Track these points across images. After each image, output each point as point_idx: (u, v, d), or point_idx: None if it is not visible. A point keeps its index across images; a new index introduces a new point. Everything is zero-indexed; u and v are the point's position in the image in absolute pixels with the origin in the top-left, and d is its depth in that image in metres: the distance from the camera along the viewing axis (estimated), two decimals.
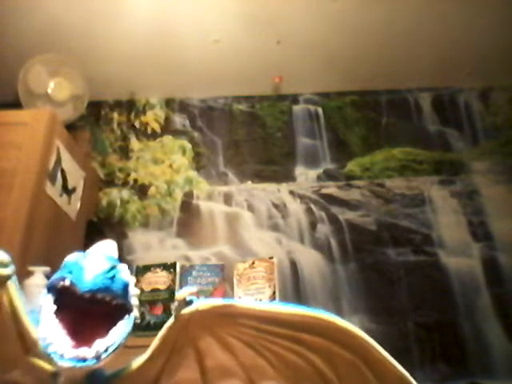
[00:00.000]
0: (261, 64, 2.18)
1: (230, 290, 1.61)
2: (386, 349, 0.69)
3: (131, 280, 0.64)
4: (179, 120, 2.30)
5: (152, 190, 2.11)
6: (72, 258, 0.63)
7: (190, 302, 0.65)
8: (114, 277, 0.60)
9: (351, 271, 1.91)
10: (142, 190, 2.11)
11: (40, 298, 0.63)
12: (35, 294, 1.32)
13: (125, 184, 2.13)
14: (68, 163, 1.74)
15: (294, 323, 0.64)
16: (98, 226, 2.00)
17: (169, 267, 1.59)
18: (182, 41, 2.05)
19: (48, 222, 1.59)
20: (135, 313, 0.64)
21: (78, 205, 1.84)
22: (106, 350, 0.58)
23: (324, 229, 2.00)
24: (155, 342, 0.67)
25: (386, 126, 2.27)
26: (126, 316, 0.62)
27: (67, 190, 1.74)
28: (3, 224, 1.43)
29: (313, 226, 2.01)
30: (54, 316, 0.59)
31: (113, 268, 0.61)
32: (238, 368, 0.67)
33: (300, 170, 2.16)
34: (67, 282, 0.59)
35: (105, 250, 0.65)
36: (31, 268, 1.38)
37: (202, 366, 0.67)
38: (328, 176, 2.14)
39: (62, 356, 0.55)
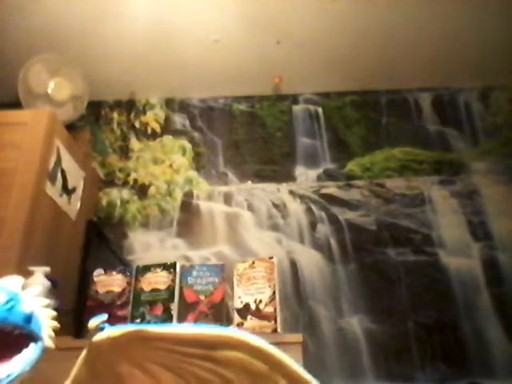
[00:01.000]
0: (261, 64, 2.18)
1: (230, 289, 1.61)
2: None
3: (43, 312, 0.70)
4: (179, 120, 2.30)
5: (152, 190, 2.11)
6: None
7: (101, 329, 0.67)
8: (11, 308, 0.65)
9: (351, 271, 1.91)
10: (142, 190, 2.11)
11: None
12: None
13: (125, 184, 2.13)
14: (68, 163, 1.74)
15: (204, 342, 0.66)
16: (98, 225, 1.99)
17: (169, 267, 1.59)
18: (182, 41, 2.05)
19: (48, 222, 1.59)
20: (45, 341, 0.69)
21: (78, 205, 1.84)
22: (8, 376, 0.63)
23: (324, 229, 2.00)
24: (73, 371, 0.69)
25: (386, 126, 2.27)
26: (32, 344, 0.67)
27: (67, 190, 1.74)
28: (3, 224, 1.43)
29: (313, 226, 2.01)
30: None
31: (10, 300, 0.65)
32: None
33: (300, 170, 2.16)
34: None
35: (4, 284, 0.70)
36: (31, 268, 1.38)
37: None
38: (328, 176, 2.14)
39: None
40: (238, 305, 1.50)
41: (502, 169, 2.11)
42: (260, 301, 1.48)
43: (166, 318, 1.49)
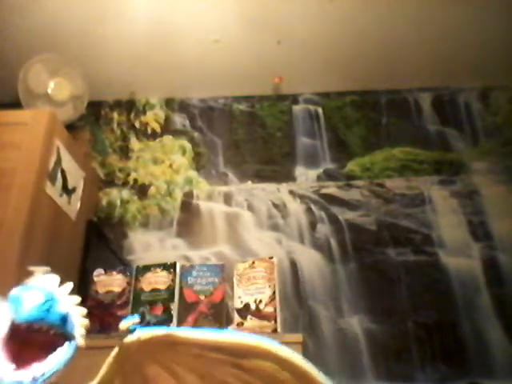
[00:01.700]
0: (261, 64, 2.18)
1: (230, 289, 1.61)
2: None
3: (76, 311, 0.73)
4: (179, 120, 2.30)
5: (152, 190, 2.11)
6: (15, 291, 0.70)
7: (132, 331, 0.69)
8: (49, 309, 0.67)
9: (351, 271, 1.91)
10: (142, 190, 2.11)
11: None
12: None
13: (125, 184, 2.13)
14: (68, 163, 1.74)
15: (233, 350, 0.68)
16: (98, 226, 2.00)
17: (169, 267, 1.59)
18: (182, 41, 2.05)
19: (48, 222, 1.59)
20: (78, 340, 0.71)
21: (78, 205, 1.84)
22: (42, 374, 0.65)
23: (324, 229, 2.00)
24: (102, 370, 0.70)
25: (386, 126, 2.27)
26: (66, 343, 0.70)
27: (67, 190, 1.74)
28: (3, 224, 1.43)
29: (313, 226, 2.01)
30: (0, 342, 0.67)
31: (48, 301, 0.68)
32: None
33: (300, 170, 2.16)
34: (7, 314, 0.67)
35: (43, 283, 0.73)
36: (31, 268, 1.38)
37: None
38: (328, 176, 2.14)
39: (1, 379, 0.63)
40: (238, 305, 1.50)
41: (502, 169, 2.11)
42: (260, 301, 1.48)
43: (166, 318, 1.49)
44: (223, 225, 2.02)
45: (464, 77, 2.28)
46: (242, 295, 1.52)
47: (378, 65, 2.21)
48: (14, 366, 0.65)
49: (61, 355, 0.68)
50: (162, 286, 1.55)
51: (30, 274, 1.39)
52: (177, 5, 1.89)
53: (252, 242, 1.97)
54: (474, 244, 1.95)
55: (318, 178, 2.14)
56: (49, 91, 2.02)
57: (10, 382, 0.63)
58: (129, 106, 2.33)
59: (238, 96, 2.35)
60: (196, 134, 2.26)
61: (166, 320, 1.48)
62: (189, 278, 1.58)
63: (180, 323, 1.49)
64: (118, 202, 2.08)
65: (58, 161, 1.67)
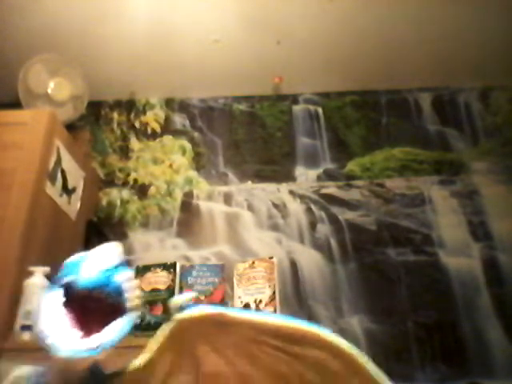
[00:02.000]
0: (261, 64, 2.18)
1: (230, 289, 1.61)
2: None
3: (131, 282, 0.71)
4: (179, 120, 2.30)
5: (152, 190, 2.11)
6: (74, 258, 0.70)
7: (184, 308, 0.69)
8: (109, 277, 0.67)
9: (351, 271, 1.91)
10: (142, 190, 2.11)
11: (40, 296, 0.70)
12: (35, 293, 1.32)
13: (125, 184, 2.13)
14: (68, 163, 1.74)
15: (287, 334, 0.67)
16: (98, 225, 2.00)
17: (169, 267, 1.59)
18: (182, 41, 2.05)
19: (48, 222, 1.59)
20: (135, 313, 0.70)
21: (78, 205, 1.84)
22: (101, 345, 0.64)
23: (324, 229, 2.00)
24: (152, 345, 0.69)
25: (386, 126, 2.27)
26: (124, 315, 0.68)
27: (67, 190, 1.74)
28: (3, 224, 1.43)
29: (313, 226, 2.01)
30: (63, 309, 0.66)
31: (109, 270, 0.68)
32: (231, 374, 0.69)
33: (300, 170, 2.16)
34: (68, 279, 0.67)
35: (104, 252, 0.72)
36: (31, 268, 1.38)
37: (196, 371, 0.70)
38: (328, 176, 2.14)
39: (59, 347, 0.62)
40: (238, 305, 1.50)
41: (502, 169, 2.11)
42: (260, 301, 1.48)
43: (166, 318, 1.49)
44: (223, 225, 2.02)
45: (464, 77, 2.28)
46: (242, 295, 1.52)
47: (378, 65, 2.21)
48: (81, 333, 0.64)
49: (120, 326, 0.67)
50: (162, 286, 1.55)
51: (30, 273, 1.39)
52: (177, 5, 1.89)
53: (252, 242, 1.97)
54: (474, 244, 1.95)
55: (318, 178, 2.14)
56: (49, 91, 2.02)
57: (75, 349, 0.62)
58: (129, 106, 2.33)
59: (238, 96, 2.35)
60: (196, 134, 2.26)
61: (165, 320, 1.48)
62: (189, 278, 1.58)
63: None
64: (118, 202, 2.08)
65: (58, 161, 1.67)
